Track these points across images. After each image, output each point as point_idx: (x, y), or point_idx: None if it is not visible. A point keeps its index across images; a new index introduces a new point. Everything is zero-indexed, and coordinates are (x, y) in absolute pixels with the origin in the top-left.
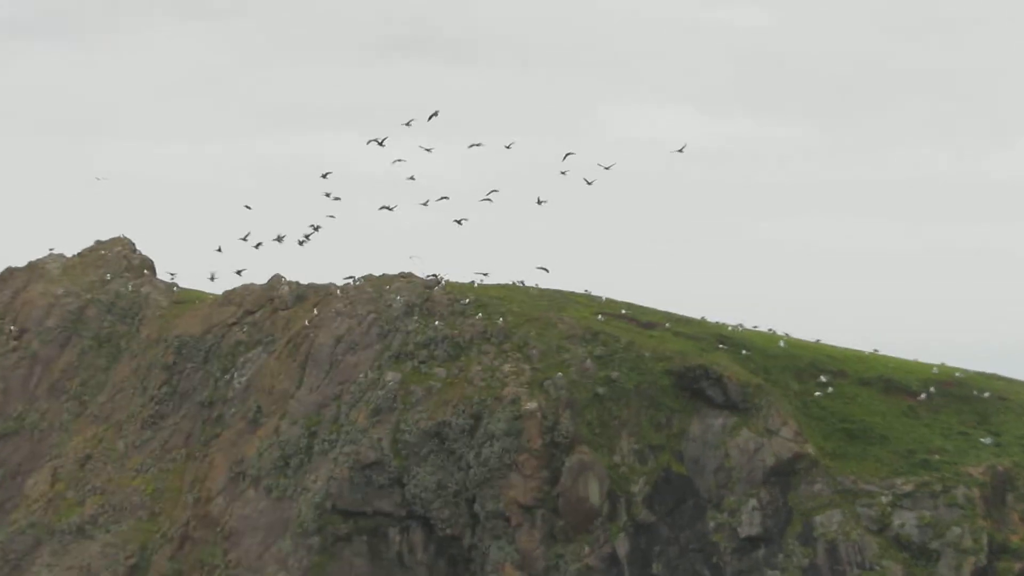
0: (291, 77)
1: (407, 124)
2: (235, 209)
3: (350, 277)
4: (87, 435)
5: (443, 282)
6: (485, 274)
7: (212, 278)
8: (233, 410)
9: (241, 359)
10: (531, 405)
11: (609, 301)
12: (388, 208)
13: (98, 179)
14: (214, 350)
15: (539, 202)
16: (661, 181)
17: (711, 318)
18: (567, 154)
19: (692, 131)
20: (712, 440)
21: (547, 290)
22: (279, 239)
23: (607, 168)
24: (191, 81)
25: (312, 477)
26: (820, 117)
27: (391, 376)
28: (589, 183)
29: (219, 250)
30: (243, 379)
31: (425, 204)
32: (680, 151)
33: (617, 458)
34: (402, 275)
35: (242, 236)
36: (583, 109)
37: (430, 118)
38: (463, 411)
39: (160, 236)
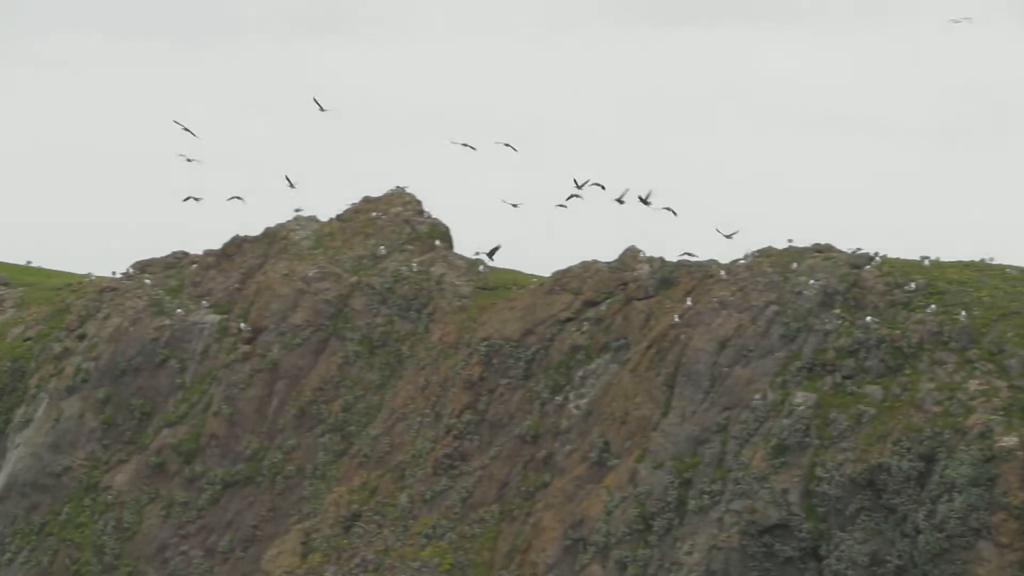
0: None
1: None
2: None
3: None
4: (353, 484)
5: (877, 259)
6: (928, 257)
7: None
8: (569, 447)
9: (580, 372)
10: (1009, 440)
11: None
12: None
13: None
14: (540, 359)
15: None
16: None
17: None
18: None
19: None
20: None
21: None
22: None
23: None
24: None
25: (686, 546)
26: None
27: (801, 398)
28: None
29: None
30: (583, 402)
31: None
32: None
33: None
34: (816, 248)
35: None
36: None
37: None
38: (908, 450)
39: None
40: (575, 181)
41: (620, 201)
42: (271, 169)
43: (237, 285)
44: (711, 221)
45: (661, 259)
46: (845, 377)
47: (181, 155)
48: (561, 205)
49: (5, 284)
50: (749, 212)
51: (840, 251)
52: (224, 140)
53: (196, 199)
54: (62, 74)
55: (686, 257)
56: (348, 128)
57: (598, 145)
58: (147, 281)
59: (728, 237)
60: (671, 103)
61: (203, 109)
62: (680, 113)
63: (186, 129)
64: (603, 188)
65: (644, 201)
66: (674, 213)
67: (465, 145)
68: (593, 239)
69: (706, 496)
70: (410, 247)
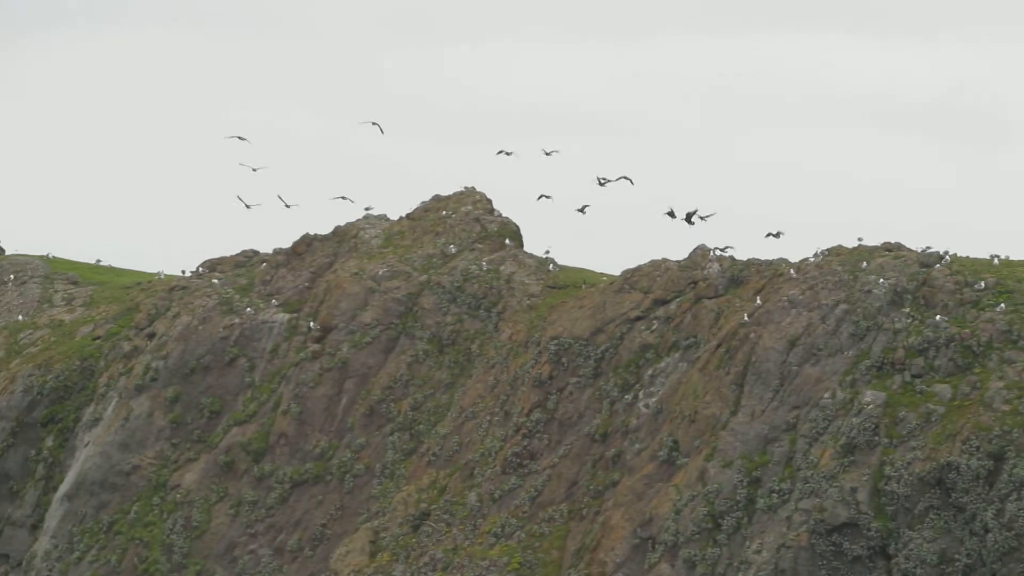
0: None
1: None
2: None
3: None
4: (422, 483)
5: (947, 257)
6: (998, 256)
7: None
8: (638, 446)
9: (649, 371)
10: None
11: None
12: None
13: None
14: (609, 358)
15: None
16: None
17: None
18: None
19: None
20: None
21: None
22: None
23: None
24: None
25: (755, 545)
26: None
27: (871, 397)
28: None
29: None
30: (652, 400)
31: None
32: None
33: None
34: (886, 246)
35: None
36: None
37: None
38: (977, 448)
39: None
40: (626, 178)
41: (670, 215)
42: (336, 168)
43: (307, 284)
44: (766, 224)
45: (731, 258)
46: (914, 376)
47: (243, 164)
48: (580, 210)
49: (75, 283)
50: (822, 211)
51: (910, 250)
52: (287, 140)
53: (248, 205)
54: (130, 71)
55: (718, 250)
56: (420, 126)
57: (671, 145)
58: (215, 280)
59: (775, 236)
60: (743, 103)
61: (268, 107)
62: (753, 112)
63: (251, 168)
64: (631, 183)
65: (688, 220)
66: (703, 219)
67: (507, 153)
68: (659, 241)
69: (775, 495)
70: (480, 246)
